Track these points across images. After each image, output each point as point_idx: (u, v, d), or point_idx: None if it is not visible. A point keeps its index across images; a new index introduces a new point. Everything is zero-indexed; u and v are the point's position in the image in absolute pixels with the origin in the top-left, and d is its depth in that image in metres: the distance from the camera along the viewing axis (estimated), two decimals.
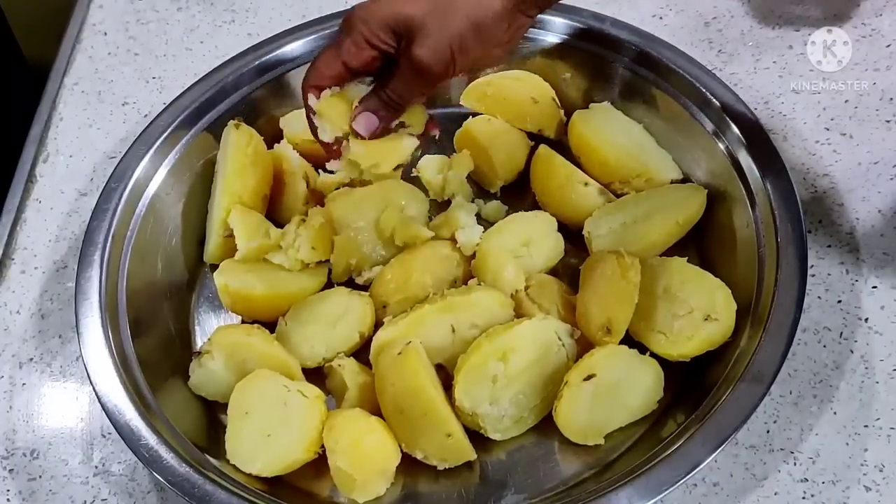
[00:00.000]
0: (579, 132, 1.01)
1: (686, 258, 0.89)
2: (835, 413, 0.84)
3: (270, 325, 0.92)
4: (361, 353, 0.91)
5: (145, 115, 1.15)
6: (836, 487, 0.81)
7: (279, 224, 0.98)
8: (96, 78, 1.20)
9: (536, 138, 1.05)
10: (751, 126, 0.92)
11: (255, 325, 0.91)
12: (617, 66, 1.02)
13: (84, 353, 0.85)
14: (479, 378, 0.83)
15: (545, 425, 0.85)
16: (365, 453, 0.81)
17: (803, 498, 0.80)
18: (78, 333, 0.86)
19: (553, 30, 1.04)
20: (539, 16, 1.03)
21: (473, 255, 0.94)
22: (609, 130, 1.00)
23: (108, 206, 0.94)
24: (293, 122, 1.05)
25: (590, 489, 0.78)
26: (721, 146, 0.94)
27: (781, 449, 0.83)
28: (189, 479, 0.77)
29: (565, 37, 1.04)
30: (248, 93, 1.04)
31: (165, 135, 0.99)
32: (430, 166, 1.03)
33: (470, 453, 0.83)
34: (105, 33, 1.26)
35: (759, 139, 0.91)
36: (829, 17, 1.13)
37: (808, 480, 0.81)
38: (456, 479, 0.84)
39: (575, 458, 0.84)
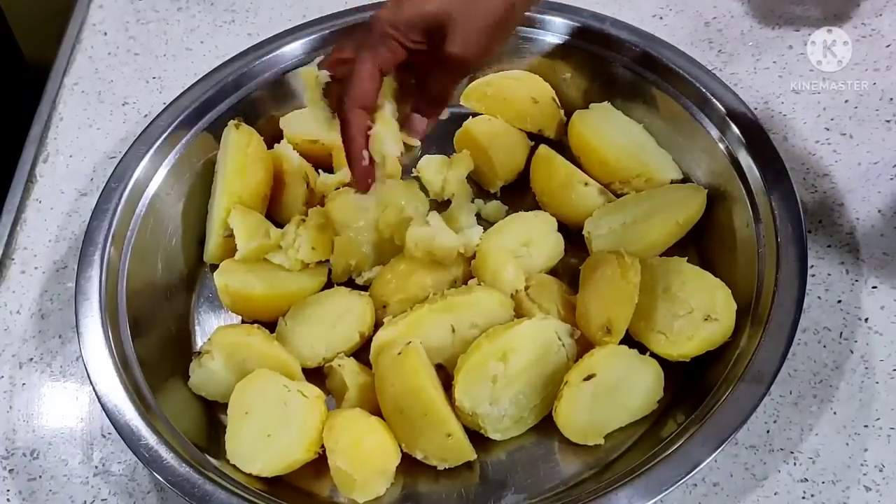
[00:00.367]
0: (579, 132, 1.01)
1: (686, 258, 0.89)
2: (835, 413, 0.84)
3: (270, 325, 0.92)
4: (361, 353, 0.91)
5: (145, 115, 1.15)
6: (836, 487, 0.81)
7: (279, 224, 0.98)
8: (96, 78, 1.20)
9: (536, 138, 1.05)
10: (751, 126, 0.92)
11: (255, 325, 0.91)
12: (617, 66, 1.02)
13: (84, 353, 0.85)
14: (479, 378, 0.83)
15: (545, 425, 0.85)
16: (365, 453, 0.81)
17: (803, 498, 0.80)
18: (78, 333, 0.86)
19: (553, 30, 1.04)
20: (539, 16, 1.04)
21: (473, 255, 0.94)
22: (609, 130, 1.00)
23: (108, 206, 0.94)
24: (293, 122, 1.05)
25: (590, 489, 0.78)
26: (721, 146, 0.94)
27: (781, 449, 0.83)
28: (189, 479, 0.77)
29: (565, 37, 1.04)
30: (248, 93, 1.04)
31: (165, 135, 0.99)
32: (430, 166, 1.03)
33: (470, 453, 0.83)
34: (105, 33, 1.26)
35: (759, 139, 0.91)
36: (829, 17, 1.13)
37: (808, 480, 0.81)
38: (456, 479, 0.84)
39: (575, 458, 0.84)
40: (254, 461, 0.82)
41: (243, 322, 0.95)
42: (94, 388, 0.83)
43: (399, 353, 0.83)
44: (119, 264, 0.92)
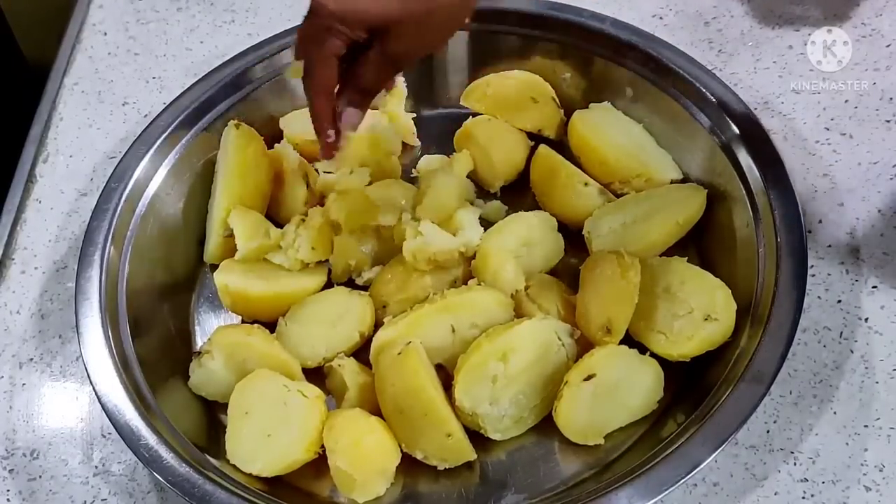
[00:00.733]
0: (579, 132, 1.01)
1: (686, 258, 0.89)
2: (835, 413, 0.84)
3: (270, 325, 0.92)
4: (361, 352, 0.91)
5: (145, 115, 1.15)
6: (836, 487, 0.81)
7: (279, 224, 0.98)
8: (96, 78, 1.20)
9: (536, 138, 1.05)
10: (751, 126, 0.92)
11: (255, 325, 0.91)
12: (617, 65, 1.02)
13: (84, 353, 0.85)
14: (479, 378, 0.83)
15: (545, 425, 0.85)
16: (365, 453, 0.81)
17: (803, 498, 0.80)
18: (78, 333, 0.86)
19: (553, 30, 1.04)
20: (539, 16, 1.04)
21: (473, 256, 0.94)
22: (609, 130, 1.00)
23: (108, 206, 0.94)
24: (293, 122, 1.05)
25: (590, 489, 0.78)
26: (721, 146, 0.94)
27: (781, 449, 0.83)
28: (189, 479, 0.77)
29: (565, 37, 1.04)
30: (248, 93, 1.04)
31: (165, 135, 0.99)
32: (431, 166, 1.03)
33: (470, 453, 0.83)
34: (105, 33, 1.25)
35: (759, 139, 0.91)
36: (829, 17, 1.13)
37: (808, 480, 0.81)
38: (456, 479, 0.84)
39: (575, 458, 0.84)
40: (254, 461, 0.82)
41: (243, 322, 0.95)
42: (94, 388, 0.83)
43: (399, 353, 0.83)
44: (119, 264, 0.92)
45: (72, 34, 1.25)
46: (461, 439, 0.82)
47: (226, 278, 0.93)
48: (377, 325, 0.92)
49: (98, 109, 1.17)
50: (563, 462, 0.84)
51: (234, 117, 1.01)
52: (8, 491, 0.87)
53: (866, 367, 0.87)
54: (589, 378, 0.82)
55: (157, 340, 0.92)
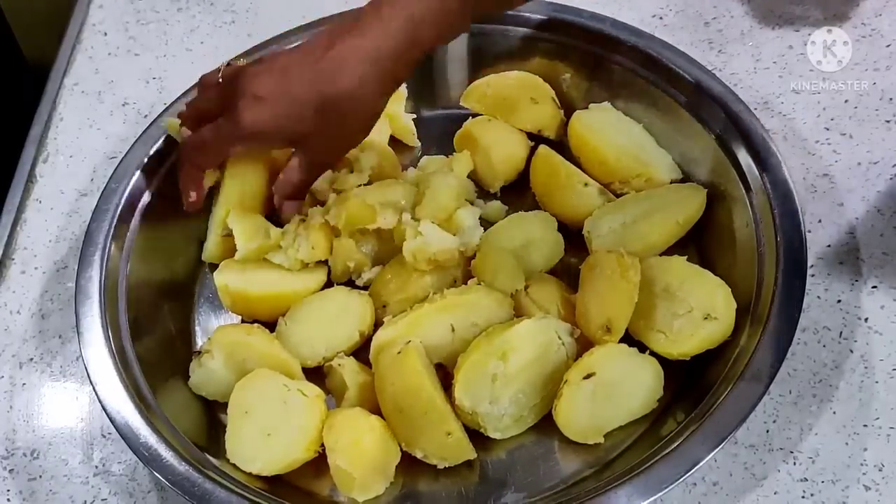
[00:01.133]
0: (579, 132, 1.01)
1: (686, 258, 0.89)
2: (834, 413, 0.84)
3: (270, 325, 0.92)
4: (361, 352, 0.91)
5: (145, 116, 1.15)
6: (835, 487, 0.81)
7: (279, 224, 0.98)
8: (96, 78, 1.20)
9: (536, 138, 1.05)
10: (751, 126, 0.92)
11: (255, 325, 0.91)
12: (617, 66, 1.02)
13: (84, 353, 0.85)
14: (479, 377, 0.83)
15: (545, 424, 0.85)
16: (365, 452, 0.81)
17: (803, 497, 0.81)
18: (78, 333, 0.86)
19: (553, 30, 1.04)
20: (539, 16, 1.04)
21: (473, 255, 0.94)
22: (609, 130, 1.00)
23: (108, 206, 0.94)
24: None
25: (589, 487, 0.78)
26: (721, 146, 0.94)
27: (781, 448, 0.83)
28: (189, 479, 0.77)
29: (566, 37, 1.04)
30: None
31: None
32: (431, 167, 1.03)
33: (470, 452, 0.83)
34: (105, 33, 1.26)
35: (758, 139, 0.91)
36: (829, 17, 1.13)
37: (807, 480, 0.81)
38: (456, 478, 0.84)
39: (575, 457, 0.84)
40: (254, 460, 0.82)
41: (243, 322, 0.95)
42: (94, 388, 0.82)
43: (399, 353, 0.83)
44: (119, 264, 0.92)
45: (72, 34, 1.25)
46: (461, 438, 0.82)
47: (226, 278, 0.93)
48: (377, 324, 0.92)
49: (98, 109, 1.17)
50: (562, 461, 0.84)
51: None
52: (8, 491, 0.87)
53: (866, 367, 0.87)
54: (589, 377, 0.82)
55: (157, 340, 0.92)
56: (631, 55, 1.00)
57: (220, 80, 0.90)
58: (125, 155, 0.98)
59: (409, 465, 0.84)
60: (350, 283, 0.97)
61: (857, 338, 0.88)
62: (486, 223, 0.98)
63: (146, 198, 0.97)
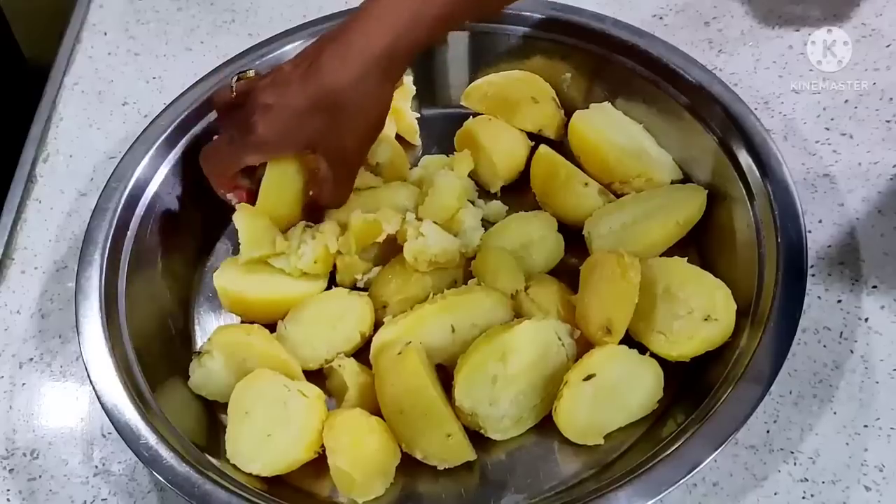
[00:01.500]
0: (579, 132, 1.01)
1: (686, 258, 0.89)
2: (835, 413, 0.84)
3: (271, 326, 0.92)
4: (362, 353, 0.91)
5: (145, 116, 1.15)
6: (836, 487, 0.81)
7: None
8: (96, 78, 1.20)
9: (536, 138, 1.05)
10: (751, 126, 0.92)
11: (256, 325, 0.91)
12: (617, 66, 1.02)
13: (84, 353, 0.84)
14: (479, 378, 0.83)
15: (545, 425, 0.85)
16: (365, 453, 0.81)
17: (803, 498, 0.80)
18: (78, 333, 0.86)
19: (553, 30, 1.04)
20: (540, 16, 1.04)
21: (474, 256, 0.94)
22: (609, 130, 1.00)
23: (108, 206, 0.94)
24: None
25: (590, 489, 0.78)
26: (721, 146, 0.93)
27: (781, 449, 0.83)
28: (189, 479, 0.77)
29: (566, 37, 1.04)
30: None
31: (165, 135, 0.99)
32: (431, 166, 1.03)
33: (470, 453, 0.83)
34: (105, 33, 1.26)
35: (759, 139, 0.91)
36: (829, 17, 1.13)
37: (808, 480, 0.81)
38: (456, 479, 0.84)
39: (575, 458, 0.84)
40: (254, 461, 0.82)
41: (243, 322, 0.95)
42: (94, 388, 0.82)
43: (399, 353, 0.83)
44: (119, 264, 0.92)
45: (72, 34, 1.25)
46: (461, 439, 0.82)
47: (225, 280, 0.93)
48: (377, 325, 0.92)
49: (98, 109, 1.17)
50: (562, 462, 0.84)
51: None
52: (8, 491, 0.87)
53: (866, 367, 0.87)
54: (589, 378, 0.82)
55: (157, 340, 0.92)
56: (631, 55, 1.00)
57: (234, 95, 0.91)
58: (125, 155, 0.97)
59: (410, 466, 0.84)
60: (350, 284, 0.97)
61: (858, 338, 0.88)
62: (486, 223, 0.98)
63: (146, 197, 0.96)
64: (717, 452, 0.74)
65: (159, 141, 0.98)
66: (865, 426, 0.84)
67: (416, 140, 1.09)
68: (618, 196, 0.98)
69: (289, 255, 0.93)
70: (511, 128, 1.04)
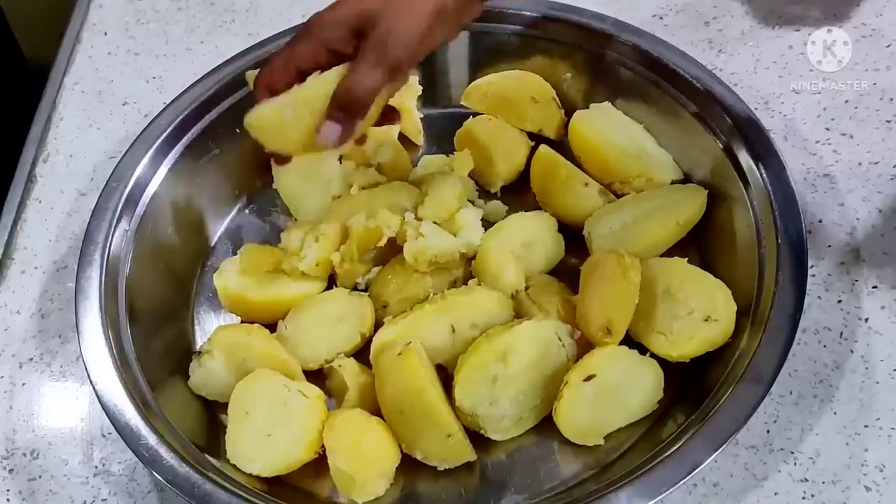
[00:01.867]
0: (580, 132, 1.01)
1: (686, 258, 0.89)
2: (835, 413, 0.84)
3: (271, 326, 0.92)
4: (362, 353, 0.91)
5: (145, 115, 1.15)
6: (836, 487, 0.81)
7: None
8: (96, 78, 1.20)
9: (537, 138, 1.05)
10: (751, 126, 0.92)
11: (256, 325, 0.91)
12: (617, 66, 1.02)
13: (84, 353, 0.84)
14: (479, 378, 0.83)
15: (545, 426, 0.85)
16: (365, 453, 0.81)
17: (803, 498, 0.80)
18: (78, 333, 0.86)
19: (553, 30, 1.04)
20: (539, 16, 1.04)
21: (474, 256, 0.94)
22: (609, 131, 1.00)
23: (108, 205, 0.94)
24: None
25: (590, 489, 0.78)
26: (721, 146, 0.93)
27: (781, 449, 0.83)
28: (189, 479, 0.77)
29: (566, 37, 1.04)
30: (249, 92, 1.03)
31: (165, 135, 0.99)
32: (431, 166, 1.03)
33: (470, 454, 0.83)
34: (105, 33, 1.25)
35: (759, 139, 0.91)
36: (829, 17, 1.13)
37: (808, 480, 0.81)
38: (456, 479, 0.84)
39: (575, 459, 0.84)
40: (254, 461, 0.82)
41: (243, 322, 0.95)
42: (94, 388, 0.82)
43: (399, 354, 0.83)
44: (119, 264, 0.92)
45: (72, 34, 1.25)
46: (461, 440, 0.82)
47: (225, 281, 0.93)
48: (377, 325, 0.92)
49: (98, 109, 1.17)
50: (562, 462, 0.85)
51: (234, 118, 1.01)
52: (8, 491, 0.87)
53: (866, 367, 0.87)
54: (589, 378, 0.82)
55: (157, 340, 0.92)
56: (632, 55, 1.00)
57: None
58: (125, 154, 0.97)
59: (410, 466, 0.84)
60: (351, 285, 0.97)
61: (858, 338, 0.88)
62: (486, 223, 0.98)
63: (146, 197, 0.96)
64: (717, 453, 0.74)
65: (159, 141, 0.98)
66: (865, 426, 0.83)
67: (420, 140, 1.09)
68: (618, 196, 0.98)
69: (290, 256, 0.93)
70: (511, 128, 1.04)
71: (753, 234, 0.88)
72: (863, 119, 1.03)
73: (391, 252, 0.95)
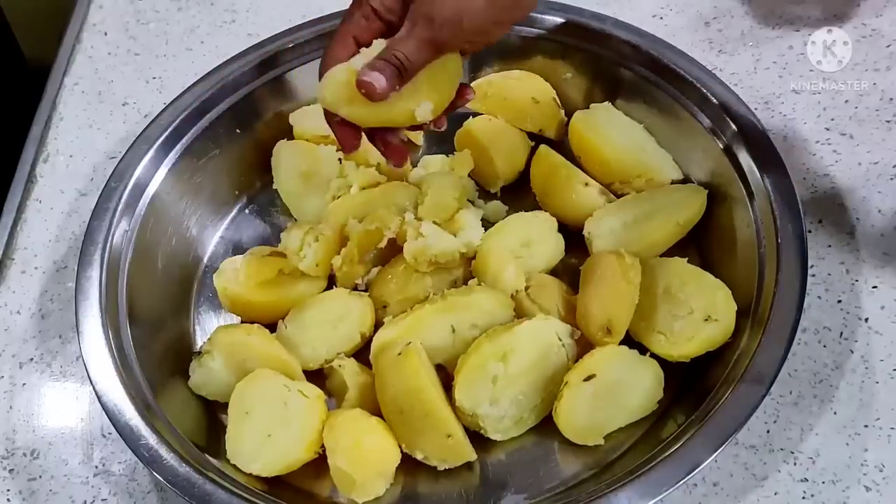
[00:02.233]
0: (580, 132, 1.01)
1: (686, 258, 0.89)
2: (835, 413, 0.84)
3: (271, 326, 0.92)
4: (362, 353, 0.91)
5: (145, 115, 1.15)
6: (836, 487, 0.81)
7: None
8: (96, 78, 1.20)
9: (537, 138, 1.05)
10: (751, 126, 0.92)
11: (256, 325, 0.91)
12: (617, 66, 1.02)
13: (84, 353, 0.84)
14: (479, 378, 0.83)
15: (545, 426, 0.85)
16: (365, 454, 0.81)
17: (803, 498, 0.81)
18: (78, 333, 0.86)
19: (554, 30, 1.04)
20: (539, 16, 1.04)
21: (474, 256, 0.94)
22: (610, 131, 1.00)
23: (108, 205, 0.94)
24: (303, 118, 1.05)
25: (590, 489, 0.78)
26: (721, 146, 0.94)
27: (781, 449, 0.83)
28: (189, 479, 0.77)
29: (566, 37, 1.04)
30: (248, 92, 1.04)
31: (166, 134, 0.99)
32: (431, 166, 1.03)
33: (470, 454, 0.83)
34: (105, 33, 1.25)
35: (759, 139, 0.91)
36: (829, 17, 1.13)
37: (808, 480, 0.81)
38: (456, 479, 0.84)
39: (575, 459, 0.84)
40: (254, 461, 0.82)
41: (243, 322, 0.95)
42: (94, 388, 0.82)
43: (399, 354, 0.83)
44: (119, 264, 0.92)
45: (72, 34, 1.25)
46: (461, 440, 0.82)
47: (225, 281, 0.93)
48: (377, 325, 0.92)
49: (98, 109, 1.17)
50: (562, 462, 0.85)
51: (234, 117, 1.01)
52: (8, 491, 0.87)
53: (866, 367, 0.87)
54: (589, 378, 0.82)
55: (157, 340, 0.92)
56: (632, 55, 1.00)
57: None
58: (125, 154, 0.97)
59: (410, 466, 0.84)
60: (351, 285, 0.97)
61: (858, 338, 0.88)
62: (486, 223, 0.98)
63: (146, 197, 0.96)
64: (717, 453, 0.74)
65: (159, 141, 0.98)
66: (865, 426, 0.84)
67: (420, 140, 1.09)
68: (618, 196, 0.98)
69: (290, 256, 0.93)
70: (511, 128, 1.04)
71: (753, 234, 0.88)
72: (863, 119, 1.03)
73: (391, 252, 0.95)
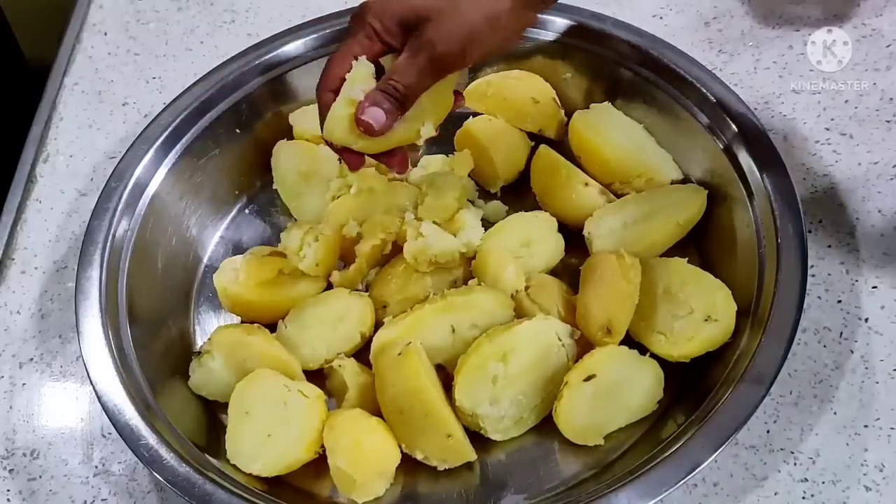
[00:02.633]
0: (580, 132, 1.01)
1: (686, 258, 0.89)
2: (835, 413, 0.84)
3: (271, 326, 0.92)
4: (362, 353, 0.91)
5: (145, 115, 1.15)
6: (836, 487, 0.81)
7: None
8: (96, 78, 1.20)
9: (537, 138, 1.05)
10: (751, 126, 0.92)
11: (256, 325, 0.91)
12: (617, 66, 1.02)
13: (84, 353, 0.85)
14: (480, 378, 0.83)
15: (545, 426, 0.85)
16: (365, 454, 0.81)
17: (803, 498, 0.81)
18: (78, 333, 0.86)
19: (553, 30, 1.04)
20: (540, 15, 1.03)
21: (474, 256, 0.94)
22: (610, 131, 1.00)
23: (108, 205, 0.94)
24: (303, 118, 1.05)
25: (590, 489, 0.78)
26: (721, 146, 0.93)
27: (781, 449, 0.83)
28: (189, 479, 0.77)
29: (566, 37, 1.04)
30: (248, 92, 1.04)
31: (166, 134, 0.99)
32: (431, 166, 1.03)
33: (470, 454, 0.83)
34: (105, 33, 1.25)
35: (759, 139, 0.91)
36: (829, 17, 1.13)
37: (808, 480, 0.81)
38: (456, 479, 0.84)
39: (575, 459, 0.84)
40: (254, 461, 0.82)
41: (243, 322, 0.95)
42: (94, 388, 0.83)
43: (399, 354, 0.83)
44: (119, 264, 0.92)
45: (72, 34, 1.25)
46: (461, 440, 0.82)
47: (225, 281, 0.93)
48: (377, 325, 0.92)
49: (98, 109, 1.17)
50: (562, 462, 0.85)
51: (234, 117, 1.01)
52: (8, 491, 0.87)
53: (866, 367, 0.87)
54: (589, 378, 0.82)
55: (157, 340, 0.92)
56: (632, 55, 1.00)
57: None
58: (125, 154, 0.97)
59: (410, 466, 0.84)
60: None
61: (858, 338, 0.88)
62: (486, 223, 0.98)
63: (146, 197, 0.96)
64: (717, 453, 0.74)
65: (159, 141, 0.98)
66: (865, 426, 0.84)
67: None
68: (618, 196, 0.98)
69: (291, 256, 0.93)
70: (511, 128, 1.04)
71: (753, 234, 0.88)
72: (863, 119, 1.03)
73: (391, 252, 0.95)
